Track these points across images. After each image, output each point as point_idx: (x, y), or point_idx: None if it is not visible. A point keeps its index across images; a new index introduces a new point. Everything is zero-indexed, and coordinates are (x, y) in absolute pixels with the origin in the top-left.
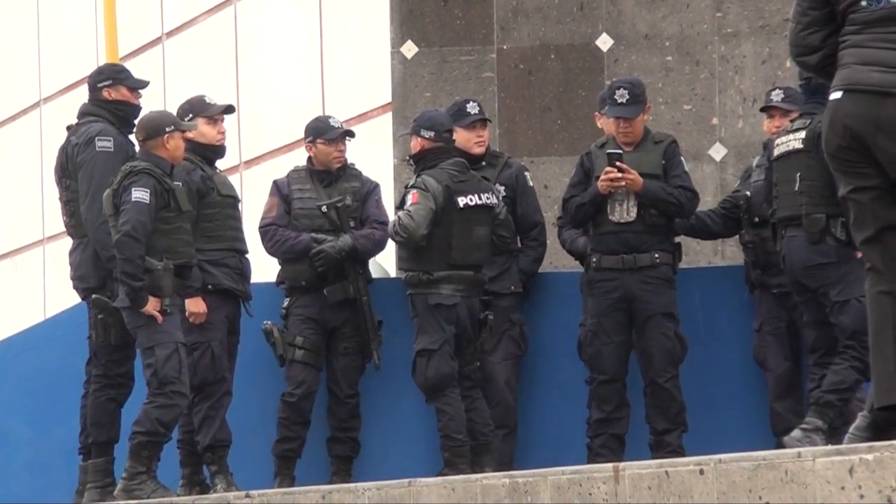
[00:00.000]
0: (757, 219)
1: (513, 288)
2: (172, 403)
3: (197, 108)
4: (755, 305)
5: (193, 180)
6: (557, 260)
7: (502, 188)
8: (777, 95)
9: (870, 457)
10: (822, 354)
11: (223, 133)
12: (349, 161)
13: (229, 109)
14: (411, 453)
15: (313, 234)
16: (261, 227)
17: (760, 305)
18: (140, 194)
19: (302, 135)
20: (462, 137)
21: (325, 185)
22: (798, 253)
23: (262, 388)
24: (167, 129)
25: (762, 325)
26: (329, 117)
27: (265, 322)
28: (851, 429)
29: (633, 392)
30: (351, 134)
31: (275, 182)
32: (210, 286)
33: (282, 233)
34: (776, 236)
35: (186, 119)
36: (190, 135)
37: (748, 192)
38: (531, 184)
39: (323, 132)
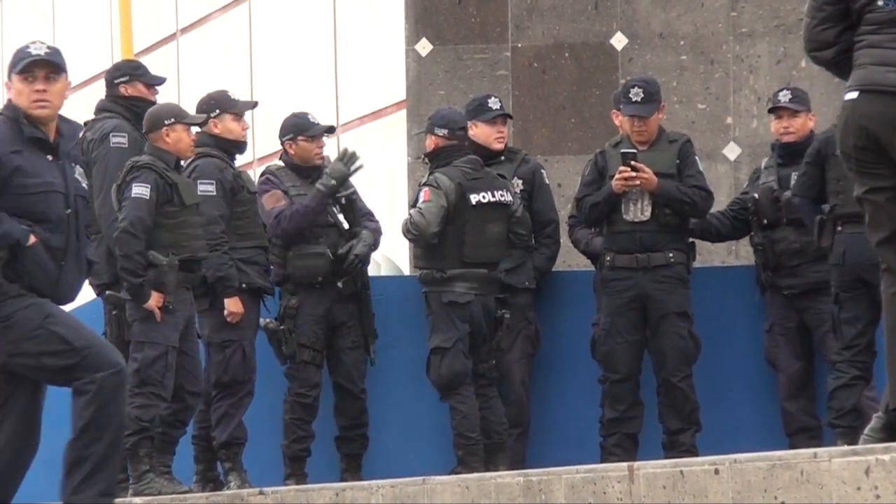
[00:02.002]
0: (766, 221)
1: (527, 283)
2: (150, 404)
3: (224, 104)
4: (766, 306)
5: (227, 179)
6: (571, 259)
7: (520, 182)
8: (785, 96)
9: (886, 457)
10: (857, 353)
11: (246, 129)
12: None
13: (255, 105)
14: (424, 451)
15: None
16: (275, 215)
17: (771, 306)
18: (139, 190)
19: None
20: (482, 132)
21: (309, 182)
22: (867, 248)
23: (268, 386)
24: (166, 122)
25: (773, 326)
26: (307, 114)
27: (266, 320)
28: (867, 430)
29: (646, 391)
30: (332, 129)
31: (268, 178)
32: (244, 285)
33: (292, 208)
34: (823, 231)
35: (213, 114)
36: (216, 130)
37: (756, 195)
38: (547, 181)
39: (305, 129)
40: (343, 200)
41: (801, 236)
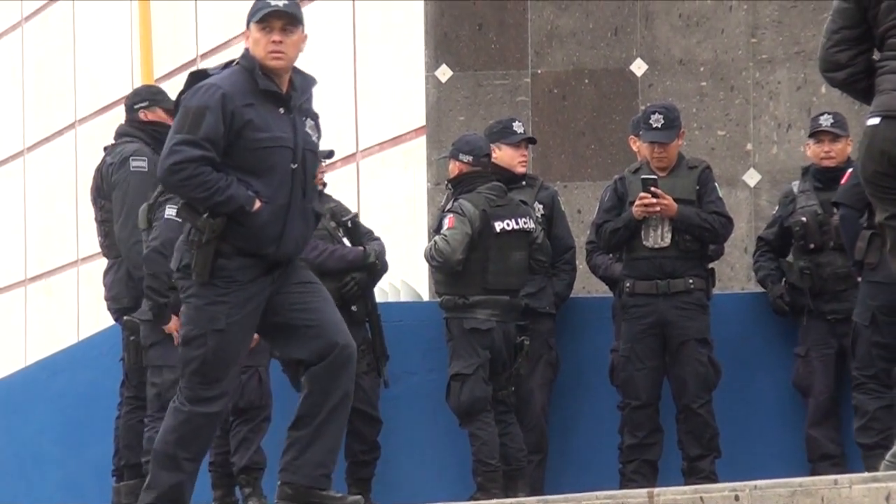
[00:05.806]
0: (812, 245)
1: (548, 308)
2: None
3: None
4: (800, 331)
5: None
6: (590, 284)
7: (541, 206)
8: (826, 120)
9: None
10: (886, 378)
11: None
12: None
13: None
14: (442, 478)
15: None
16: None
17: (808, 332)
18: (173, 212)
19: (335, 158)
20: (507, 155)
21: None
22: None
23: (285, 413)
24: None
25: (809, 352)
26: None
27: None
28: (888, 456)
29: (666, 417)
30: (330, 154)
31: None
32: None
33: (323, 244)
34: (871, 246)
35: None
36: None
37: (805, 218)
38: (564, 208)
39: None
40: (349, 224)
41: (848, 260)
